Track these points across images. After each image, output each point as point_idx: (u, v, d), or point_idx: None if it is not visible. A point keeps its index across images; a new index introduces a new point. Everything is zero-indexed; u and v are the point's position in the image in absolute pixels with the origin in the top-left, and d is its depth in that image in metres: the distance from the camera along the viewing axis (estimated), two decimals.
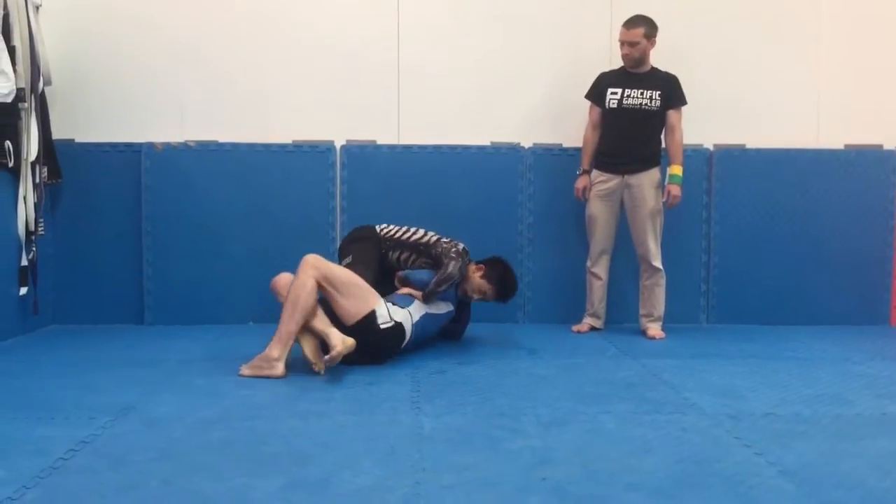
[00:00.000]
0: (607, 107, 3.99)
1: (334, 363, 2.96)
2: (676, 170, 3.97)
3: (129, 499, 1.82)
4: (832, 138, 4.40)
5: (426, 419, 2.47)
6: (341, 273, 3.20)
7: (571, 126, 4.24)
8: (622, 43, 3.93)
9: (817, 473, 2.01)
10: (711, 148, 4.37)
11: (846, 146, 4.39)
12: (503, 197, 4.32)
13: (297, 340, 3.08)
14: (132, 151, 4.20)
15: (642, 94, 3.93)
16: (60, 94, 4.16)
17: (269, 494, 1.84)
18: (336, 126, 4.28)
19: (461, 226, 3.98)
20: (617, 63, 4.07)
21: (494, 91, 4.36)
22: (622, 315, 4.23)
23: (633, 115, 3.94)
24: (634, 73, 3.97)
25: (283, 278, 3.26)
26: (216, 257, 4.22)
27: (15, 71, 3.60)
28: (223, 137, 4.23)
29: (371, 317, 3.15)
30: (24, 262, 3.78)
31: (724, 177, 4.35)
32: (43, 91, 3.93)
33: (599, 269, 4.08)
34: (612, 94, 3.97)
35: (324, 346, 3.07)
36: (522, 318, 4.36)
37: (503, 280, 3.61)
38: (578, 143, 4.15)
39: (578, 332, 4.08)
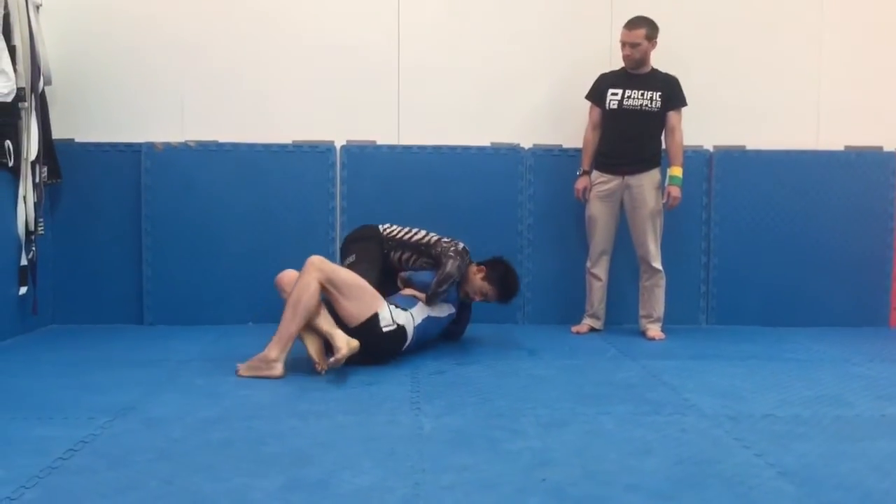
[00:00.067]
0: (607, 107, 3.99)
1: (338, 365, 2.96)
2: (676, 171, 3.97)
3: (129, 499, 1.82)
4: (832, 140, 4.40)
5: (426, 420, 2.47)
6: (345, 275, 3.19)
7: (571, 127, 4.24)
8: (623, 44, 3.93)
9: (817, 474, 2.01)
10: (711, 149, 4.37)
11: (846, 148, 4.40)
12: (503, 198, 4.32)
13: (300, 339, 3.08)
14: (132, 151, 4.20)
15: (643, 95, 3.94)
16: (60, 94, 4.16)
17: (268, 494, 1.84)
18: (336, 126, 4.28)
19: (461, 226, 3.97)
20: (617, 64, 4.07)
21: (494, 92, 4.36)
22: (622, 316, 4.23)
23: (634, 116, 3.94)
24: (635, 74, 3.97)
25: (288, 275, 3.25)
26: (216, 257, 4.22)
27: (15, 70, 3.60)
28: (223, 137, 4.23)
29: (374, 319, 3.14)
30: (24, 262, 3.78)
31: (724, 178, 4.35)
32: (43, 91, 3.93)
33: (599, 269, 4.07)
34: (613, 94, 3.97)
35: (327, 345, 3.07)
36: (522, 319, 4.36)
37: (505, 281, 3.61)
38: (578, 144, 4.15)
39: (578, 332, 4.08)
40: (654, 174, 3.97)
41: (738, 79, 4.38)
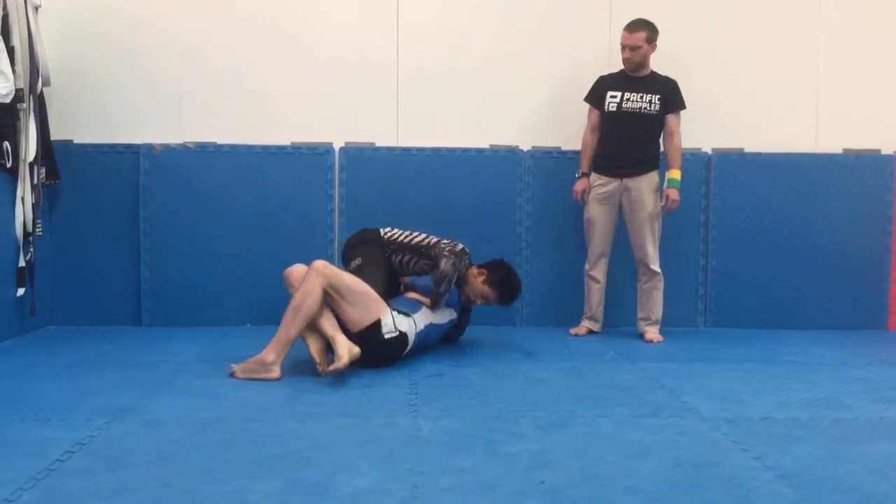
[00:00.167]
0: (606, 110, 3.99)
1: (337, 372, 2.95)
2: (675, 174, 3.97)
3: (127, 501, 1.81)
4: (831, 143, 4.41)
5: (424, 422, 2.47)
6: (349, 281, 3.16)
7: (570, 129, 4.24)
8: (623, 47, 3.93)
9: (815, 477, 2.01)
10: (710, 152, 4.37)
11: (844, 150, 4.40)
12: (502, 200, 4.32)
13: (303, 338, 3.08)
14: (131, 152, 4.20)
15: (642, 97, 3.94)
16: (59, 95, 4.16)
17: (267, 496, 1.84)
18: (335, 128, 4.28)
19: (459, 228, 3.97)
20: (616, 66, 4.08)
21: (493, 94, 4.36)
22: (620, 318, 4.23)
23: (633, 118, 3.95)
24: (634, 76, 3.98)
25: (298, 269, 3.22)
26: (214, 259, 4.22)
27: (14, 71, 3.59)
28: (222, 139, 4.23)
29: (376, 326, 3.13)
30: (22, 263, 3.77)
31: (722, 181, 4.35)
32: (42, 92, 3.93)
33: (597, 272, 4.08)
34: (612, 97, 3.98)
35: (329, 347, 3.06)
36: (520, 321, 4.36)
37: (506, 284, 3.61)
38: (577, 147, 4.16)
39: (576, 335, 4.08)
40: (653, 177, 3.98)
41: (737, 81, 4.39)
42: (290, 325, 3.02)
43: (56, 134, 4.10)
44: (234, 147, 4.23)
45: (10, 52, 3.60)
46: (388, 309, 3.21)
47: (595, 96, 4.05)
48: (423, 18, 4.32)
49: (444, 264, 3.41)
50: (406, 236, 3.62)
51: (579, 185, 4.09)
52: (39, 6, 3.98)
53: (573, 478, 1.99)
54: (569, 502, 1.83)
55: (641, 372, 3.24)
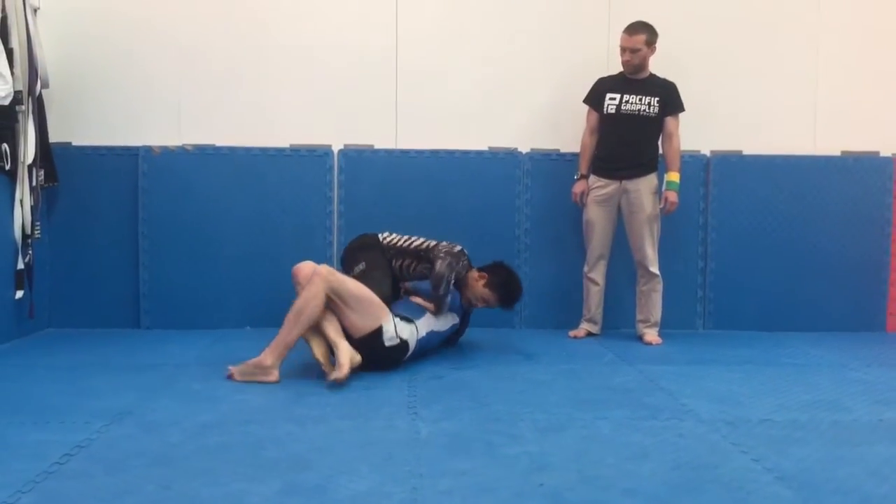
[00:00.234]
0: (605, 112, 3.99)
1: (340, 383, 2.94)
2: (674, 176, 3.97)
3: None
4: (829, 145, 4.41)
5: (423, 424, 2.47)
6: (352, 287, 3.15)
7: (569, 131, 4.24)
8: (623, 49, 3.93)
9: (814, 479, 2.01)
10: (709, 154, 4.38)
11: (843, 153, 4.40)
12: (500, 202, 4.32)
13: (306, 341, 3.07)
14: (129, 155, 4.19)
15: (641, 99, 3.94)
16: (58, 97, 4.16)
17: (266, 499, 1.84)
18: (334, 130, 4.28)
19: (458, 231, 3.97)
20: (615, 68, 4.08)
21: (492, 96, 4.36)
22: (619, 321, 4.23)
23: (632, 120, 3.95)
24: (633, 78, 3.98)
25: (306, 267, 3.20)
26: (213, 261, 4.21)
27: (13, 73, 3.59)
28: (221, 141, 4.23)
29: (377, 333, 3.13)
30: (20, 266, 3.76)
31: (721, 183, 4.36)
32: (40, 94, 3.93)
33: (596, 274, 4.08)
34: (611, 99, 3.98)
35: (332, 350, 3.06)
36: (519, 324, 4.35)
37: (507, 286, 3.61)
38: (576, 149, 4.16)
39: (575, 337, 4.08)
40: (652, 179, 3.98)
41: (736, 83, 4.39)
42: (290, 329, 3.02)
43: (55, 136, 4.10)
44: (232, 149, 4.23)
45: (9, 54, 3.60)
46: (391, 315, 3.19)
47: (594, 98, 4.05)
48: (422, 21, 4.33)
49: (440, 265, 3.40)
50: (405, 241, 3.61)
51: (578, 187, 4.09)
52: (38, 8, 3.99)
53: (572, 480, 1.99)
54: None
55: (640, 374, 3.24)
